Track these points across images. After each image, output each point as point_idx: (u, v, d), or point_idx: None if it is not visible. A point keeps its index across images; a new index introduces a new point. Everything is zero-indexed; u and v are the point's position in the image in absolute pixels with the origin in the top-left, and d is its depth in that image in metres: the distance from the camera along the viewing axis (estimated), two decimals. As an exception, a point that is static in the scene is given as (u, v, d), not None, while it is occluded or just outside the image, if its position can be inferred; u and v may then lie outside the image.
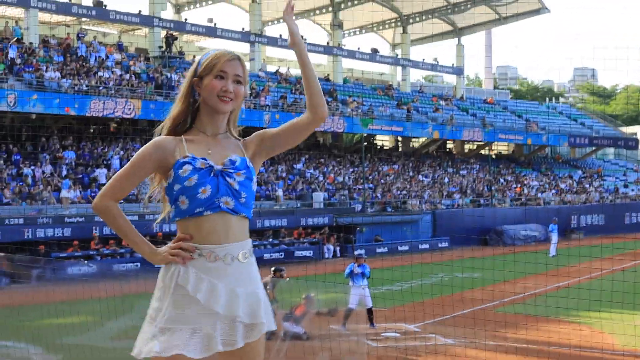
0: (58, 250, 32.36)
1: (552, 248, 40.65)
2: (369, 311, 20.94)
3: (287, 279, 20.59)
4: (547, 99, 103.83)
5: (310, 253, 39.72)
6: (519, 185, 63.84)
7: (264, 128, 4.31)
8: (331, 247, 41.52)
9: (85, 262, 31.12)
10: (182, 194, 4.04)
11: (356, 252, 21.99)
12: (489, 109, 71.67)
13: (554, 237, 41.41)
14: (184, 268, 4.01)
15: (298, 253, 39.29)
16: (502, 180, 64.34)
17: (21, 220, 32.61)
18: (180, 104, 4.27)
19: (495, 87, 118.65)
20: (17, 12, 49.28)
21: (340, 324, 20.21)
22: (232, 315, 3.99)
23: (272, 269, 20.73)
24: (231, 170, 4.04)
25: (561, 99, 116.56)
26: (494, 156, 70.81)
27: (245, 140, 4.24)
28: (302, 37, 4.24)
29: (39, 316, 18.94)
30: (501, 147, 76.37)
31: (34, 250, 30.55)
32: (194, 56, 62.27)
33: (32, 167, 37.70)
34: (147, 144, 4.19)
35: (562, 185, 66.09)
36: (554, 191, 63.77)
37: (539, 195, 61.94)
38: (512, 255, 25.56)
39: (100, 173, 39.25)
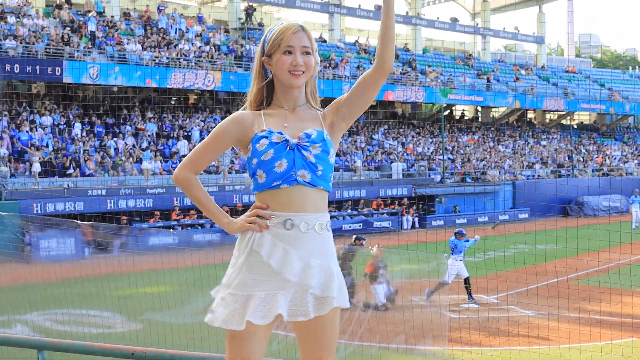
0: (140, 221, 32.86)
1: (635, 219, 40.07)
2: (467, 281, 20.99)
3: (374, 247, 20.64)
4: (631, 68, 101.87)
5: (389, 224, 39.69)
6: (601, 155, 62.91)
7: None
8: (410, 218, 41.44)
9: (171, 230, 31.57)
10: (259, 168, 4.04)
11: (456, 230, 22.05)
12: (571, 78, 70.60)
13: (635, 209, 40.82)
14: (259, 234, 4.02)
15: (377, 224, 39.31)
16: (583, 150, 63.46)
17: (104, 192, 33.14)
18: (255, 85, 4.27)
19: (577, 56, 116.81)
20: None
21: (423, 294, 20.25)
22: (304, 284, 3.97)
23: (354, 237, 20.82)
24: (307, 144, 4.02)
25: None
26: (575, 126, 69.82)
27: (324, 110, 4.23)
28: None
29: (122, 285, 19.26)
30: (583, 117, 75.27)
31: (117, 220, 31.06)
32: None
33: (115, 139, 38.25)
34: (227, 118, 4.20)
35: (646, 156, 64.98)
36: (636, 161, 62.69)
37: (621, 165, 60.96)
38: (595, 226, 25.25)
39: (181, 145, 39.66)
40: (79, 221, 25.75)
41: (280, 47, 4.12)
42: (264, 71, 4.24)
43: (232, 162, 39.38)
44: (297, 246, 4.00)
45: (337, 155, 33.67)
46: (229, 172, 38.46)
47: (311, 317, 3.99)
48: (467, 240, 21.59)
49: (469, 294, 20.85)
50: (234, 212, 34.34)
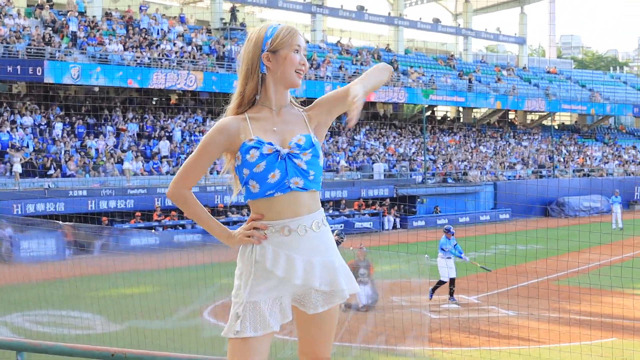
0: (121, 222, 32.80)
1: (615, 219, 40.20)
2: (452, 282, 21.10)
3: (363, 247, 20.71)
4: (612, 69, 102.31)
5: (370, 224, 39.76)
6: (582, 156, 63.15)
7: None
8: (391, 219, 41.51)
9: (152, 230, 31.53)
10: (252, 179, 4.07)
11: (445, 227, 22.24)
12: (552, 78, 70.87)
13: (615, 210, 40.95)
14: (260, 246, 4.08)
15: (358, 224, 39.37)
16: (564, 151, 63.69)
17: (85, 192, 33.07)
18: (249, 81, 4.20)
19: (558, 57, 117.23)
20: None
21: (404, 295, 20.33)
22: (308, 285, 4.04)
23: (334, 232, 20.86)
24: (298, 152, 4.05)
25: (625, 69, 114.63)
26: (556, 127, 70.03)
27: (308, 112, 4.24)
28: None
29: (103, 286, 19.23)
30: (564, 118, 75.50)
31: (98, 221, 30.99)
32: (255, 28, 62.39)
33: (96, 140, 38.16)
34: (212, 129, 4.19)
35: (626, 156, 65.22)
36: (617, 162, 62.97)
37: (602, 166, 61.22)
38: (575, 227, 25.36)
39: (163, 145, 39.60)
40: (60, 222, 25.65)
41: (291, 45, 4.14)
42: (259, 68, 4.20)
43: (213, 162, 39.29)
44: (298, 250, 4.06)
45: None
46: (210, 173, 38.39)
47: (318, 311, 4.10)
48: (456, 245, 21.70)
49: (451, 294, 20.93)
50: (215, 212, 34.37)
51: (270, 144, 4.06)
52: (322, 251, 4.11)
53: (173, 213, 33.83)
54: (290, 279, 4.03)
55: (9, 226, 25.94)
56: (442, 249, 21.47)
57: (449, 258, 21.22)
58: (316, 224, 4.11)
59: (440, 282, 21.10)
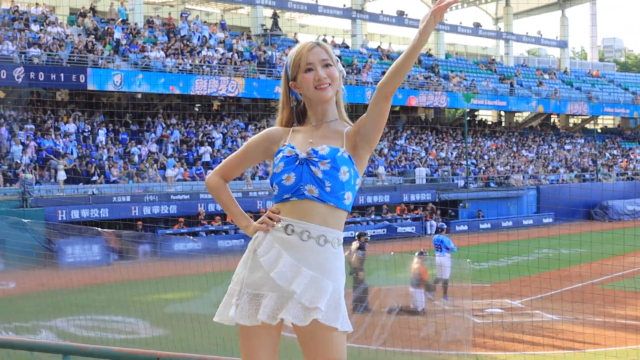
0: (164, 227, 32.98)
1: None
2: (446, 282, 21.13)
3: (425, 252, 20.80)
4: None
5: (412, 229, 39.67)
6: (625, 159, 62.60)
7: (366, 104, 4.28)
8: (434, 223, 41.37)
9: (191, 237, 31.64)
10: (274, 180, 4.13)
11: (439, 224, 22.48)
12: (594, 82, 70.29)
13: None
14: (262, 234, 4.12)
15: (401, 229, 39.28)
16: (607, 154, 63.17)
17: (128, 198, 33.31)
18: (283, 111, 4.36)
19: (600, 60, 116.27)
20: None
21: (441, 297, 20.34)
22: (289, 290, 3.95)
23: (357, 233, 20.83)
24: (316, 159, 4.05)
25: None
26: (599, 130, 69.47)
27: (350, 129, 4.21)
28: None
29: (146, 291, 19.34)
30: (607, 121, 74.93)
31: (142, 227, 31.19)
32: (295, 34, 62.54)
33: (139, 146, 38.43)
34: (260, 132, 4.35)
35: (671, 159, 64.58)
36: (661, 165, 62.40)
37: (646, 169, 60.66)
38: (620, 231, 25.12)
39: (205, 151, 39.78)
40: (99, 228, 25.83)
41: (301, 67, 4.18)
42: (293, 96, 4.31)
43: (255, 168, 39.45)
44: (292, 252, 4.02)
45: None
46: (252, 178, 38.55)
47: (292, 321, 3.94)
48: (449, 241, 21.85)
49: (445, 293, 20.87)
50: (258, 217, 34.37)
51: (293, 147, 4.12)
52: (318, 268, 4.01)
53: (217, 218, 33.97)
54: (273, 275, 3.97)
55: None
56: (447, 248, 21.48)
57: (448, 256, 21.30)
58: (322, 239, 4.03)
59: (445, 282, 21.07)
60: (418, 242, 29.35)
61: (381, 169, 44.64)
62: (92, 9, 44.29)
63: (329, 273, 4.04)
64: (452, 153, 53.22)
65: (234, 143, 40.99)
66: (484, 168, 51.52)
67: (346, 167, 4.08)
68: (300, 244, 4.03)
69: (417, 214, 41.37)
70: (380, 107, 4.13)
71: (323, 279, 4.00)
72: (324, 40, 4.30)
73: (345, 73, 4.28)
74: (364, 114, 4.18)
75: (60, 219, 30.32)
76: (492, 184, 49.20)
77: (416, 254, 20.64)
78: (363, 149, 4.17)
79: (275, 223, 4.10)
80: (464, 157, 50.91)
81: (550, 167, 55.56)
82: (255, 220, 4.31)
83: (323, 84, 4.15)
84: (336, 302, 4.02)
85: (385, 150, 48.98)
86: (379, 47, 61.60)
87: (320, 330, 3.98)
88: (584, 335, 17.15)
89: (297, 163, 4.07)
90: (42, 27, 39.70)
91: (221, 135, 42.12)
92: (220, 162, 4.45)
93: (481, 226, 42.19)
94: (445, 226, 23.28)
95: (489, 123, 66.02)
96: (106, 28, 42.07)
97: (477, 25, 69.48)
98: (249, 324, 4.01)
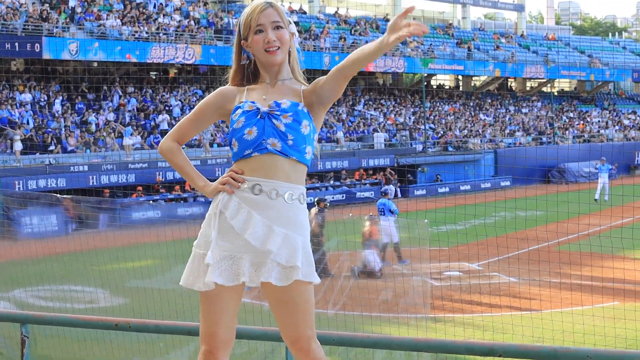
0: (123, 196, 32.82)
1: (600, 189, 37.05)
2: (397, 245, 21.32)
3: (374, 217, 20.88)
4: (610, 34, 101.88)
5: (371, 194, 39.76)
6: (582, 122, 63.10)
7: (324, 70, 4.32)
8: (392, 188, 41.51)
9: (151, 202, 31.55)
10: (233, 136, 4.15)
11: (383, 189, 22.80)
12: (551, 45, 70.57)
13: (604, 179, 37.78)
14: (227, 197, 4.11)
15: (359, 194, 39.38)
16: (564, 117, 63.61)
17: (86, 167, 33.11)
18: (236, 70, 4.38)
19: (557, 23, 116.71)
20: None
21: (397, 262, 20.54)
22: (265, 249, 4.00)
23: (316, 199, 20.90)
24: (277, 112, 4.09)
25: (624, 34, 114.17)
26: (556, 93, 69.82)
27: (307, 88, 4.26)
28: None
29: (105, 260, 19.28)
30: (563, 84, 75.32)
31: (99, 196, 31.00)
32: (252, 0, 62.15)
33: (95, 115, 38.15)
34: (212, 92, 4.35)
35: (626, 122, 65.13)
36: (617, 127, 62.91)
37: (602, 132, 61.15)
38: (575, 192, 25.38)
39: (162, 119, 39.58)
40: (59, 195, 25.66)
41: (252, 28, 4.20)
42: (245, 54, 4.32)
43: (213, 135, 39.32)
44: (262, 211, 4.06)
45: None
46: (211, 146, 38.43)
47: (275, 284, 4.01)
48: (392, 204, 22.13)
49: (400, 257, 21.00)
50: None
51: (253, 102, 4.14)
52: (288, 225, 4.08)
53: (176, 187, 33.87)
54: (246, 237, 4.02)
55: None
56: (391, 211, 21.66)
57: (394, 220, 21.49)
58: (289, 195, 4.10)
59: (397, 245, 21.22)
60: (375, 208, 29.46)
61: (340, 135, 44.66)
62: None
63: (298, 228, 4.12)
64: (410, 118, 53.32)
65: (192, 110, 40.65)
66: (442, 132, 51.70)
67: (307, 120, 4.15)
68: (269, 202, 4.07)
69: (376, 179, 41.46)
70: (339, 84, 4.17)
71: (294, 235, 4.08)
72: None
73: (297, 34, 4.28)
74: (321, 77, 4.20)
75: (17, 189, 30.06)
76: (450, 148, 49.42)
77: (365, 217, 20.81)
78: (319, 108, 4.23)
79: (239, 184, 4.11)
80: (422, 121, 51.07)
81: (507, 131, 55.87)
82: None
83: (272, 47, 4.17)
84: (308, 256, 4.12)
85: (344, 116, 48.98)
86: (336, 12, 61.39)
87: (297, 285, 4.06)
88: (540, 296, 17.36)
89: (258, 117, 4.10)
90: (-5, -4, 39.19)
91: (179, 102, 41.91)
92: (177, 127, 4.44)
93: (440, 190, 42.37)
94: (389, 190, 23.58)
95: (447, 87, 66.15)
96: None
97: (434, -11, 69.50)
98: (228, 284, 4.02)
